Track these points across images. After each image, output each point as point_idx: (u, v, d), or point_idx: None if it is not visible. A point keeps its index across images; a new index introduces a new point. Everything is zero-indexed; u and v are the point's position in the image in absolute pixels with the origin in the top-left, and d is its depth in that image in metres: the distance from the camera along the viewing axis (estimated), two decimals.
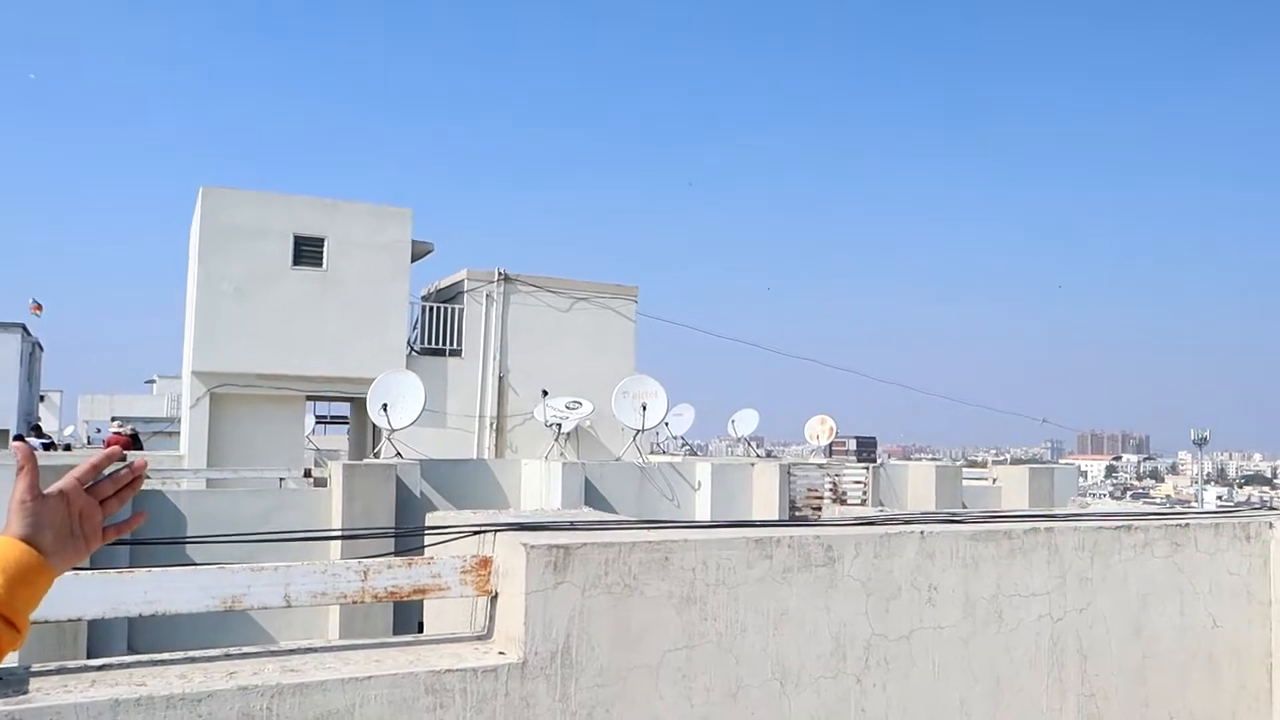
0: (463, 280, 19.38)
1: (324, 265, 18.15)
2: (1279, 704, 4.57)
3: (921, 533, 3.52)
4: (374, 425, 14.29)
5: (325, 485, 11.30)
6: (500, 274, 19.15)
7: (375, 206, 18.95)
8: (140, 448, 22.08)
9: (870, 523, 3.61)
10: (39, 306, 29.09)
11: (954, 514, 4.05)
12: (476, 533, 3.05)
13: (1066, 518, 4.25)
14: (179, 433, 21.80)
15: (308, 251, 18.16)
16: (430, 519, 3.40)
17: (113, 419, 23.40)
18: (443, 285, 20.53)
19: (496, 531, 3.01)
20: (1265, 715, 4.55)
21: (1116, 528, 4.18)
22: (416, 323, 19.44)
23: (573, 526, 3.13)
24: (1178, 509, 5.50)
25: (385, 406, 12.73)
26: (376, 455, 13.93)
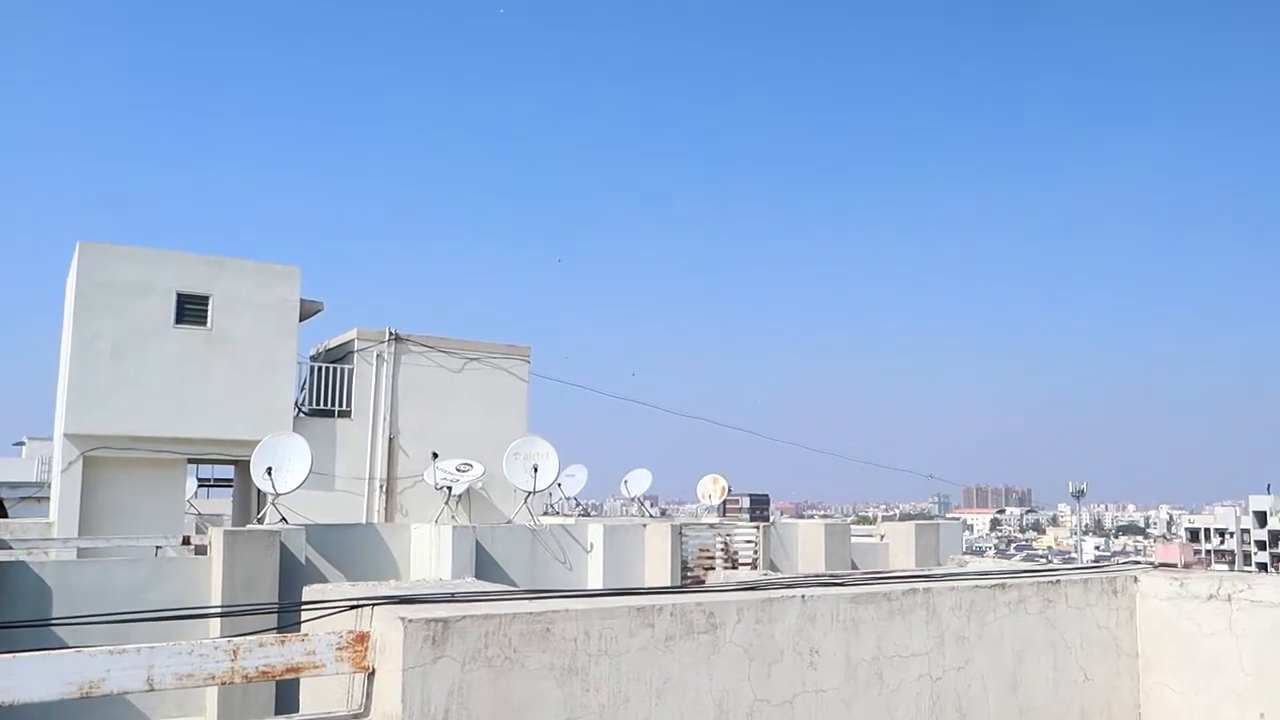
0: (353, 340, 19.05)
1: (208, 324, 17.64)
2: None
3: (803, 596, 3.57)
4: (259, 489, 13.86)
5: (206, 553, 10.88)
6: (391, 334, 18.89)
7: (262, 264, 18.56)
8: (4, 515, 20.95)
9: (753, 587, 3.64)
10: None
11: (835, 576, 4.12)
12: (353, 607, 2.98)
13: (944, 577, 4.36)
14: (49, 498, 20.76)
15: (191, 310, 17.63)
16: (308, 592, 3.31)
17: None
18: (332, 345, 20.14)
19: (374, 606, 2.95)
20: None
21: (991, 586, 4.30)
22: (304, 383, 18.99)
23: (452, 598, 3.08)
24: (1049, 565, 5.69)
25: (270, 470, 12.37)
26: (261, 520, 13.49)
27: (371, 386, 18.58)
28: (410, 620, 2.80)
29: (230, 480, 22.30)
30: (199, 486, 23.81)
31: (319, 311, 19.57)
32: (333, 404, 18.62)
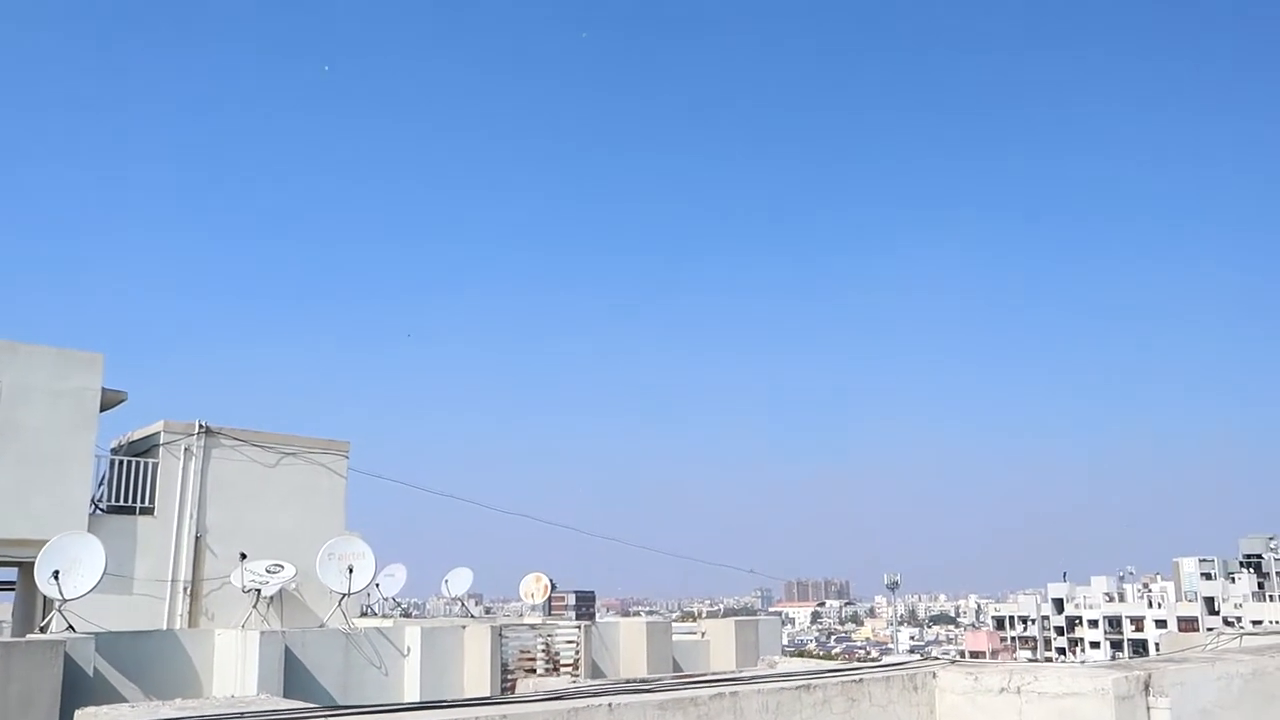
0: (159, 432, 18.08)
1: None
2: None
3: (609, 705, 3.59)
4: (44, 595, 12.84)
5: None
6: (201, 426, 18.03)
7: (61, 350, 17.49)
8: None
9: (558, 697, 3.63)
10: None
11: (645, 682, 4.16)
12: None
13: (751, 679, 4.46)
14: None
15: None
16: (80, 717, 3.10)
17: None
18: (135, 437, 19.05)
19: None
20: None
21: (797, 688, 4.42)
22: (104, 478, 17.85)
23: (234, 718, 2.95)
24: (852, 665, 5.90)
25: (57, 574, 11.50)
26: (44, 629, 12.46)
27: (178, 482, 17.63)
28: None
29: (11, 584, 20.58)
30: None
31: (122, 401, 18.53)
32: (134, 500, 17.54)
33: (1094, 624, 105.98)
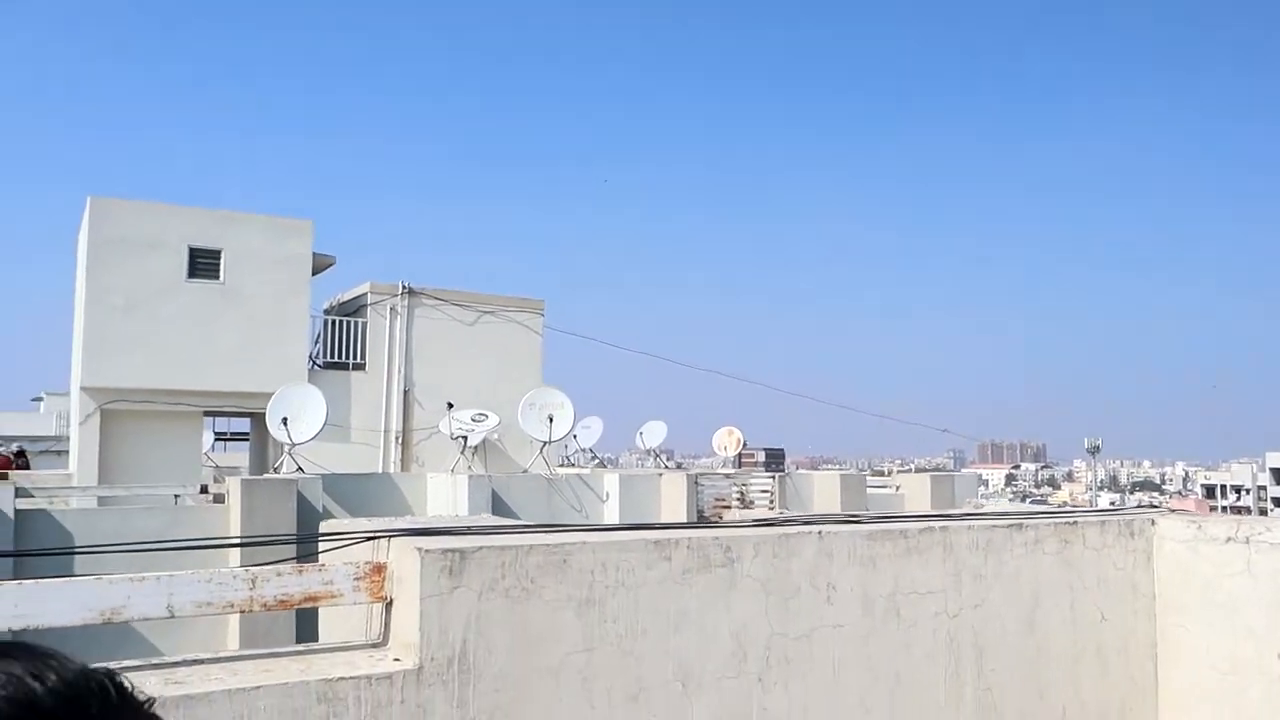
0: (366, 293, 19.06)
1: (221, 278, 17.66)
2: (1164, 693, 4.74)
3: (820, 533, 3.56)
4: (274, 440, 13.93)
5: (223, 501, 10.97)
6: (404, 287, 18.88)
7: (274, 218, 18.54)
8: (27, 467, 21.16)
9: (769, 523, 3.63)
10: None
11: (852, 515, 4.11)
12: (370, 538, 2.98)
13: (961, 517, 4.35)
14: (68, 452, 20.94)
15: (203, 264, 17.65)
16: (325, 526, 3.31)
17: None
18: (345, 299, 20.16)
19: (391, 537, 2.95)
20: (1151, 704, 4.71)
21: (1009, 526, 4.28)
22: (318, 337, 19.04)
23: (469, 531, 3.08)
24: (1066, 509, 5.67)
25: (285, 420, 12.43)
26: (277, 470, 13.58)
27: (385, 339, 18.62)
28: (427, 551, 2.80)
29: (246, 434, 22.45)
30: (215, 440, 23.99)
31: (331, 265, 19.57)
32: (346, 357, 18.67)
33: None
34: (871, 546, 3.69)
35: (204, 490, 13.08)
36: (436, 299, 19.06)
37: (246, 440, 22.67)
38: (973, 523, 4.16)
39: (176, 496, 13.34)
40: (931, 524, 3.99)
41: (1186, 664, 4.70)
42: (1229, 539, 4.71)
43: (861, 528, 3.74)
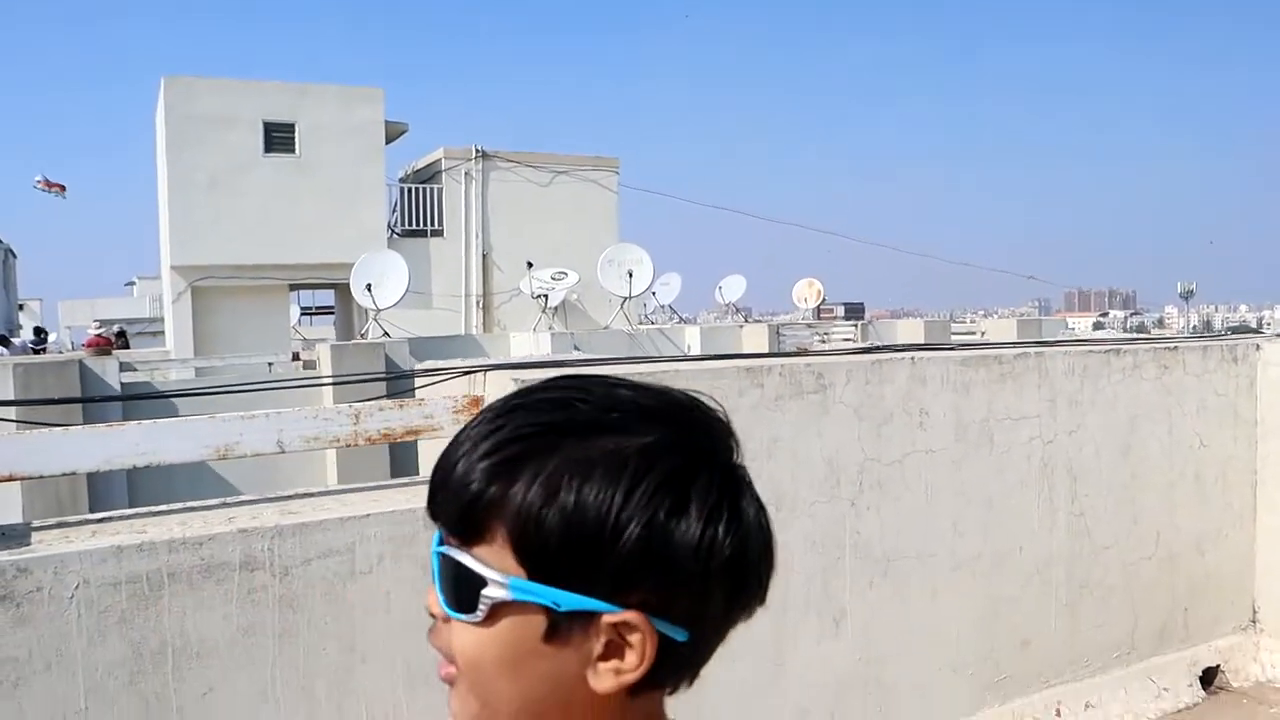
0: (439, 159, 19.04)
1: (296, 151, 17.78)
2: (1263, 519, 4.68)
3: (913, 359, 3.53)
4: (360, 308, 14.21)
5: (314, 368, 11.28)
6: (478, 151, 18.79)
7: (345, 88, 18.48)
8: (127, 346, 21.98)
9: (862, 351, 3.61)
10: (59, 186, 25.85)
11: (943, 345, 4.06)
12: (467, 373, 3.04)
13: (1055, 344, 4.27)
14: (163, 333, 21.67)
15: (279, 138, 17.76)
16: (421, 366, 3.38)
17: (95, 322, 23.20)
18: (419, 166, 20.18)
19: (487, 370, 2.99)
20: (1250, 530, 4.67)
21: (1105, 352, 4.20)
22: (395, 205, 19.17)
23: (562, 364, 3.11)
24: (1167, 335, 5.53)
25: (369, 286, 12.64)
26: (364, 336, 13.89)
27: (461, 205, 18.67)
28: (523, 381, 2.84)
29: (331, 308, 22.94)
30: (302, 314, 24.57)
31: (404, 133, 19.53)
32: (424, 224, 18.81)
33: None
34: (965, 373, 3.65)
35: (295, 358, 13.46)
36: (511, 161, 18.97)
37: (331, 314, 23.19)
38: (1069, 349, 4.08)
39: (270, 364, 13.77)
40: (1027, 350, 3.92)
41: None
42: None
43: (955, 354, 3.70)
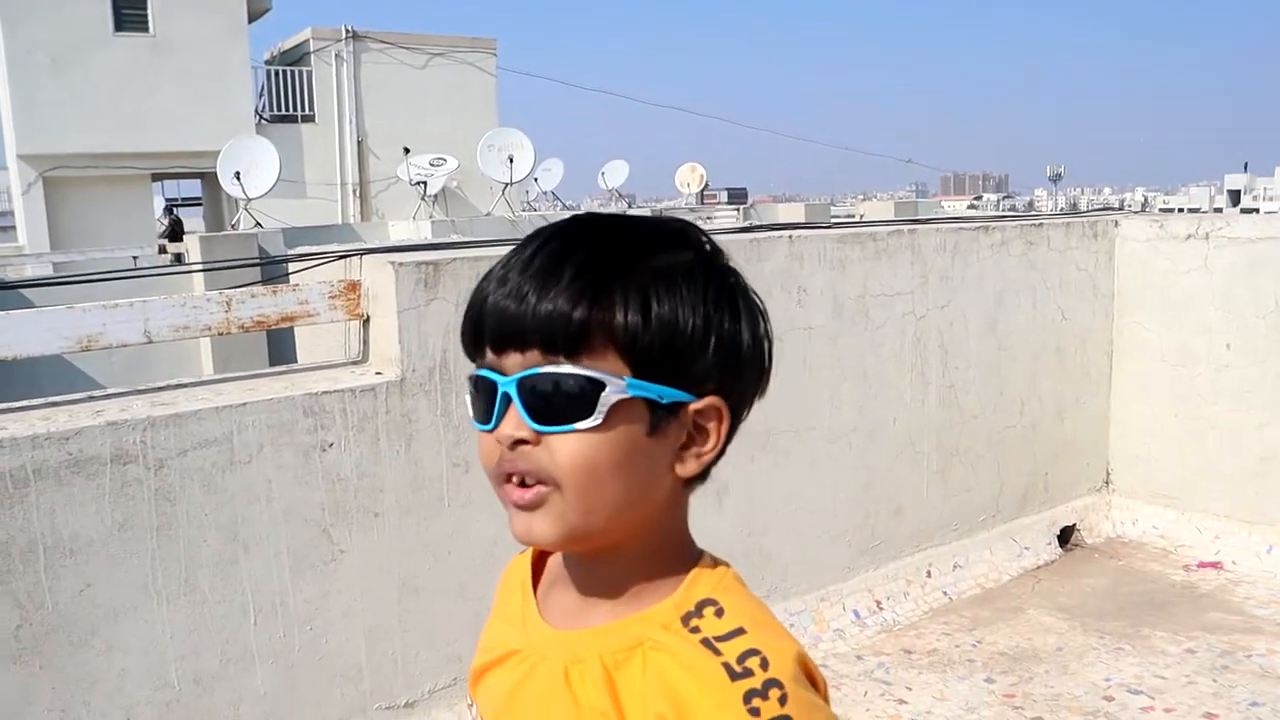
0: (307, 40, 18.15)
1: (150, 29, 16.71)
2: (1117, 386, 4.96)
3: (790, 237, 3.57)
4: (229, 199, 13.64)
5: (183, 260, 10.84)
6: (348, 31, 17.95)
7: None
8: None
9: (740, 230, 3.63)
10: None
11: (820, 223, 4.12)
12: (341, 257, 2.96)
13: (928, 221, 4.37)
14: (14, 226, 20.44)
15: (130, 15, 16.65)
16: (295, 248, 3.27)
17: None
18: (286, 47, 19.20)
19: (363, 254, 2.92)
20: (1105, 396, 4.94)
21: (975, 229, 4.32)
22: (262, 89, 18.28)
23: (440, 246, 3.05)
24: (1032, 212, 5.72)
25: (238, 174, 12.10)
26: (235, 227, 13.36)
27: (333, 88, 17.92)
28: (401, 265, 2.79)
29: (199, 199, 21.96)
30: (167, 205, 23.47)
31: (267, 10, 18.53)
32: (294, 109, 18.02)
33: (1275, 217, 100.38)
34: (841, 250, 3.72)
35: (162, 251, 12.91)
36: (384, 42, 18.20)
37: (199, 205, 22.21)
38: (940, 226, 4.19)
39: (134, 259, 13.17)
40: (900, 228, 4.01)
41: (1139, 358, 4.90)
42: (1189, 236, 4.80)
43: (831, 232, 3.76)
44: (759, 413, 3.03)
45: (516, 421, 0.81)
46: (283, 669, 2.69)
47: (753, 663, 0.78)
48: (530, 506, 0.82)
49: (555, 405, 0.80)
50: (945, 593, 4.20)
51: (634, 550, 0.86)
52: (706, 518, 3.41)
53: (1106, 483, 5.02)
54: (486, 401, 0.83)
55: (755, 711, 0.76)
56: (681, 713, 0.78)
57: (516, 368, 0.80)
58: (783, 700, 0.76)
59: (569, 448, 0.80)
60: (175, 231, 17.66)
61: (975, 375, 4.31)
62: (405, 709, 2.91)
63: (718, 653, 0.79)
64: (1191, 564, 4.49)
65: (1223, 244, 4.71)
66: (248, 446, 2.59)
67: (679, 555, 0.88)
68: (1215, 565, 4.44)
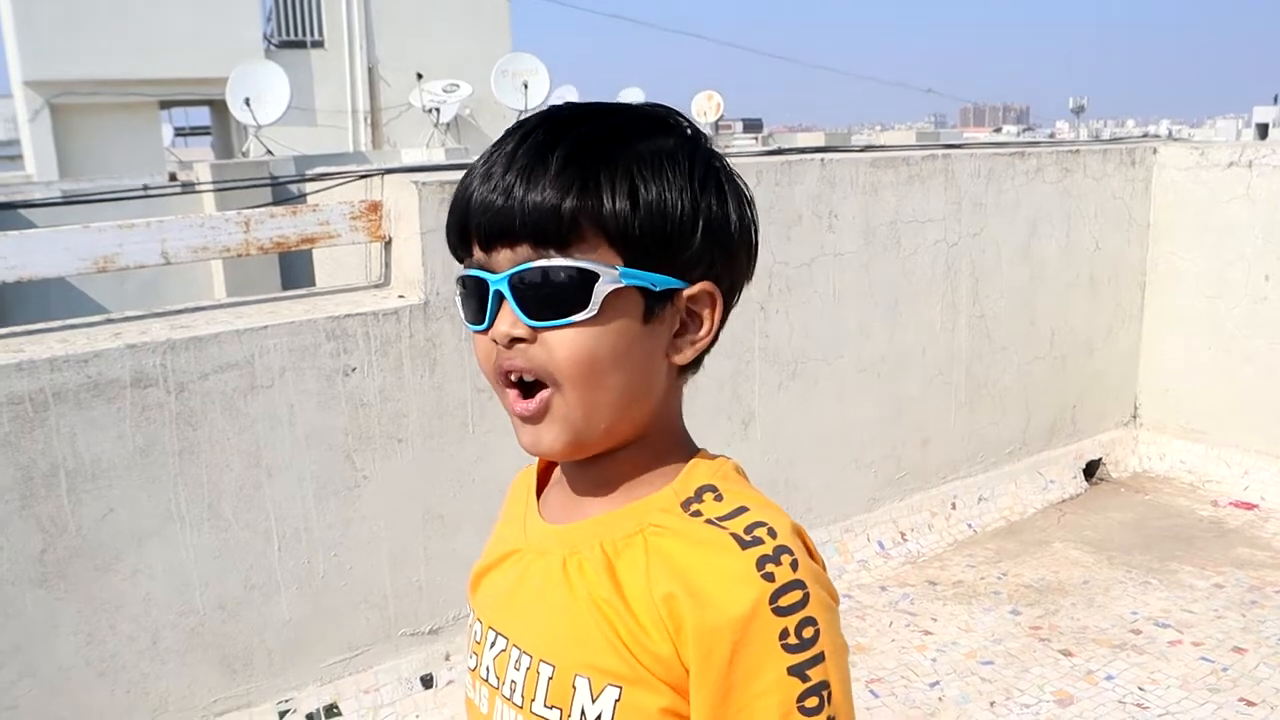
0: None
1: None
2: (1149, 318, 4.86)
3: (823, 160, 3.46)
4: (239, 126, 13.45)
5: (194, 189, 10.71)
6: None
7: None
8: None
9: (772, 153, 3.52)
10: None
11: (853, 147, 4.00)
12: (362, 177, 2.87)
13: (962, 146, 4.24)
14: (21, 156, 20.25)
15: None
16: (312, 172, 3.18)
17: None
18: None
19: (384, 174, 2.83)
20: (1136, 329, 4.85)
21: (1011, 154, 4.20)
22: (270, 14, 17.93)
23: (464, 166, 2.95)
24: (1069, 139, 5.58)
25: (248, 101, 11.91)
26: (245, 155, 13.20)
27: (343, 13, 17.55)
28: (424, 184, 2.70)
29: (208, 128, 21.71)
30: (176, 135, 23.24)
31: None
32: (304, 34, 17.69)
33: None
34: (874, 174, 3.61)
35: (173, 178, 12.75)
36: None
37: (208, 134, 21.96)
38: (975, 151, 4.06)
39: (145, 186, 13.05)
40: (934, 152, 3.89)
41: (1174, 290, 4.79)
42: (1231, 164, 4.66)
43: (864, 156, 3.64)
44: (787, 341, 2.95)
45: (511, 319, 0.79)
46: (307, 595, 2.66)
47: (760, 532, 0.78)
48: (536, 417, 0.81)
49: (549, 300, 0.78)
50: (970, 525, 4.16)
51: (631, 444, 0.85)
52: (732, 444, 3.37)
53: (1134, 416, 4.95)
54: (478, 301, 0.81)
55: (770, 576, 0.75)
56: (691, 587, 0.76)
57: (507, 264, 0.78)
58: (794, 565, 0.76)
59: (566, 342, 0.78)
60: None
61: (1006, 305, 4.22)
62: (430, 635, 2.89)
63: (722, 528, 0.79)
64: (1220, 500, 4.43)
65: (1266, 172, 4.57)
66: (269, 370, 2.53)
67: (676, 446, 0.88)
68: (1248, 506, 4.37)
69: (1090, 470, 4.69)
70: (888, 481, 3.95)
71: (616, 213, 0.77)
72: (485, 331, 0.81)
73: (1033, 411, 4.45)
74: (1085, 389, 4.66)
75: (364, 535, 2.72)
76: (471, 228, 0.80)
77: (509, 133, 0.82)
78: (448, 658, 2.89)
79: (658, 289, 0.79)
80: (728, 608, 0.75)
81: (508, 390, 0.82)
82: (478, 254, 0.80)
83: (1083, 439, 4.69)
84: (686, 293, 0.81)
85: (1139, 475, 4.77)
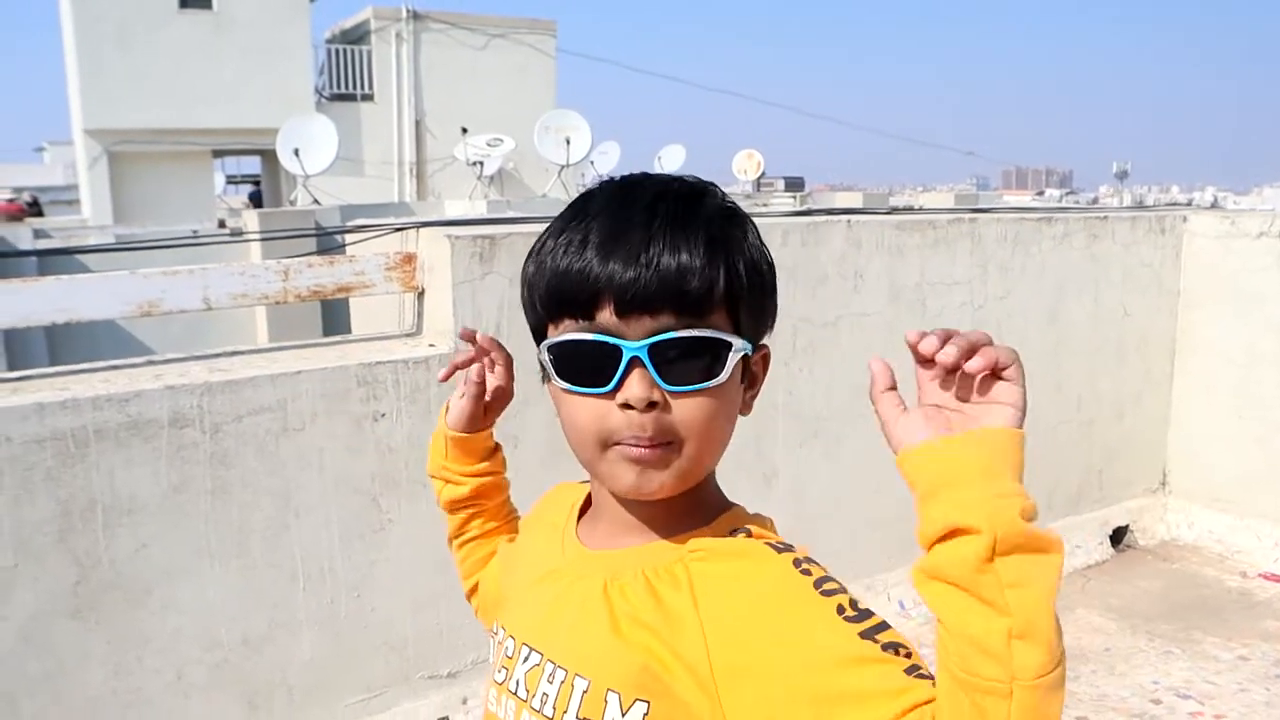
0: (368, 19, 18.27)
1: (213, 6, 16.92)
2: (1178, 385, 4.84)
3: (849, 221, 3.52)
4: (287, 175, 13.77)
5: (241, 235, 10.97)
6: (409, 11, 18.05)
7: None
8: (41, 215, 21.14)
9: (798, 214, 3.59)
10: None
11: (879, 209, 4.06)
12: (398, 229, 2.97)
13: (989, 211, 4.29)
14: (79, 201, 20.84)
15: None
16: (351, 223, 3.30)
17: (4, 189, 22.13)
18: (347, 25, 19.36)
19: (420, 227, 2.93)
20: (1165, 396, 4.83)
21: (1038, 219, 4.24)
22: (323, 68, 18.44)
23: (498, 221, 3.05)
24: (1097, 206, 5.60)
25: (297, 151, 12.22)
26: (293, 203, 13.51)
27: (393, 68, 18.04)
28: (458, 238, 2.79)
29: (258, 178, 22.23)
30: (227, 183, 23.78)
31: None
32: (354, 88, 18.16)
33: None
34: (900, 237, 3.67)
35: (222, 225, 13.07)
36: (444, 22, 18.27)
37: (258, 184, 22.47)
38: (1001, 215, 4.11)
39: (194, 232, 13.37)
40: (960, 216, 3.95)
41: (1203, 357, 4.78)
42: (1261, 234, 4.67)
43: (890, 218, 3.70)
44: (810, 398, 2.99)
45: (649, 384, 0.83)
46: (329, 635, 2.72)
47: (789, 545, 0.87)
48: (656, 465, 0.85)
49: (688, 367, 0.84)
50: None
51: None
52: (754, 500, 3.40)
53: (1163, 484, 4.91)
54: (597, 365, 0.83)
55: (807, 572, 0.83)
56: (736, 591, 0.83)
57: (645, 332, 0.82)
58: (825, 571, 0.84)
59: (693, 407, 0.85)
60: (258, 201, 17.91)
61: (1032, 369, 4.14)
62: (448, 679, 2.93)
63: (756, 540, 0.88)
64: (1249, 571, 4.38)
65: None
66: (301, 414, 2.62)
67: (715, 488, 0.96)
68: (1277, 579, 4.32)
69: (1117, 537, 4.65)
70: (909, 541, 3.93)
71: (732, 284, 0.84)
72: (608, 395, 0.84)
73: (1059, 476, 4.44)
74: (1113, 455, 4.64)
75: (387, 578, 2.78)
76: (598, 294, 0.82)
77: (597, 202, 0.87)
78: (465, 701, 2.93)
79: (751, 354, 0.89)
80: (776, 599, 0.82)
81: (617, 444, 0.85)
82: (608, 319, 0.82)
83: (1110, 505, 4.66)
84: (760, 353, 0.92)
85: (1167, 543, 4.73)
